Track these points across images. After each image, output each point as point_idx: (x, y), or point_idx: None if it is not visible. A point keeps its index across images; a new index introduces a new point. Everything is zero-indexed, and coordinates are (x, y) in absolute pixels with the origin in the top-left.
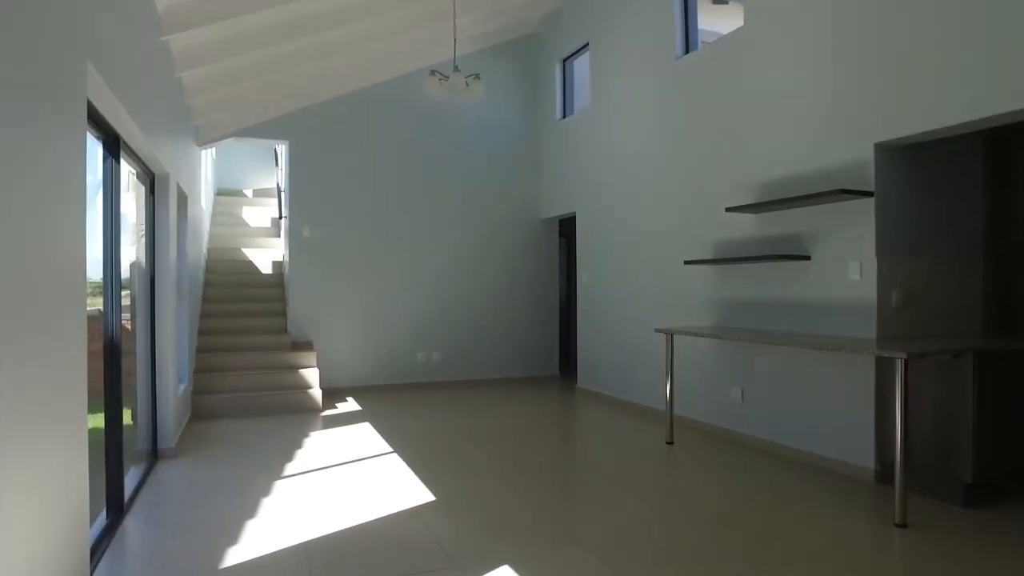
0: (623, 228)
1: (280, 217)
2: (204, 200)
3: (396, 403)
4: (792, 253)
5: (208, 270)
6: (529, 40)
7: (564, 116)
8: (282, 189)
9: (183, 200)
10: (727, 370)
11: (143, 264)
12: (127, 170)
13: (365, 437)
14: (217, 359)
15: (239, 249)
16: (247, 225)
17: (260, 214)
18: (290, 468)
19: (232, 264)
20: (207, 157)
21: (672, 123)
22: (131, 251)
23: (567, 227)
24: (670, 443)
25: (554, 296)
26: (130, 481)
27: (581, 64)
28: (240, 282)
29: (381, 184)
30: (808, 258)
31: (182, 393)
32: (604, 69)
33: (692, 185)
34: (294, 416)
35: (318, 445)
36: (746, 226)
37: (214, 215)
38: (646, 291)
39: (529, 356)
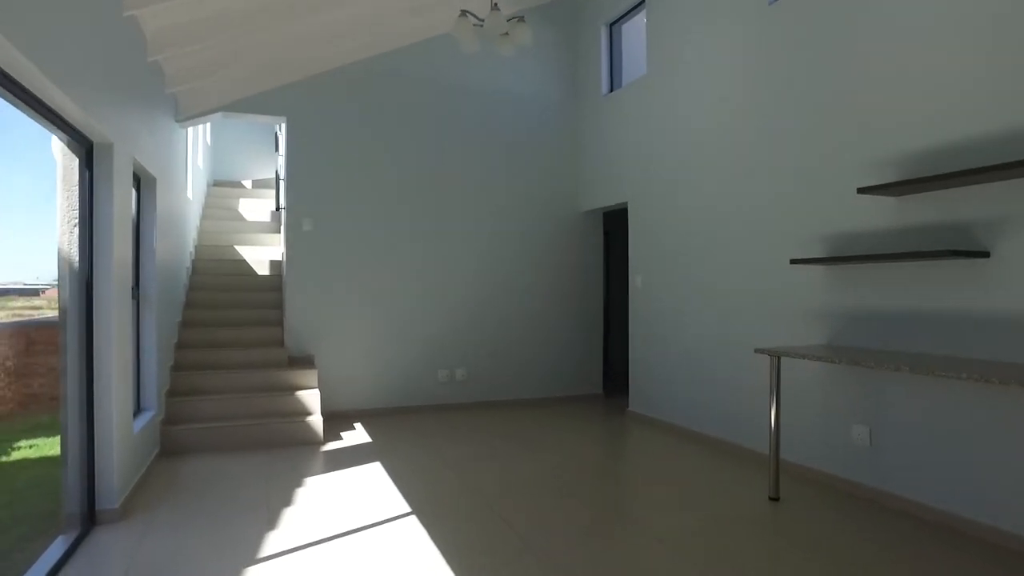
0: (693, 221)
1: (278, 208)
2: (191, 189)
3: (413, 432)
4: (961, 248)
5: (194, 270)
6: (567, 3)
7: (611, 90)
8: (281, 177)
9: (149, 183)
10: (846, 403)
11: (75, 260)
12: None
13: (375, 486)
14: (197, 379)
15: (232, 247)
16: (243, 219)
17: (259, 207)
18: (270, 542)
19: (223, 264)
20: (196, 141)
21: (764, 86)
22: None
23: (611, 221)
24: (775, 499)
25: (597, 301)
26: (40, 568)
27: (632, 28)
28: (231, 285)
29: (395, 170)
30: (986, 255)
31: (144, 426)
32: (666, 28)
33: (795, 163)
34: (288, 452)
35: (312, 499)
36: (880, 213)
37: (206, 207)
38: (727, 298)
39: (568, 373)
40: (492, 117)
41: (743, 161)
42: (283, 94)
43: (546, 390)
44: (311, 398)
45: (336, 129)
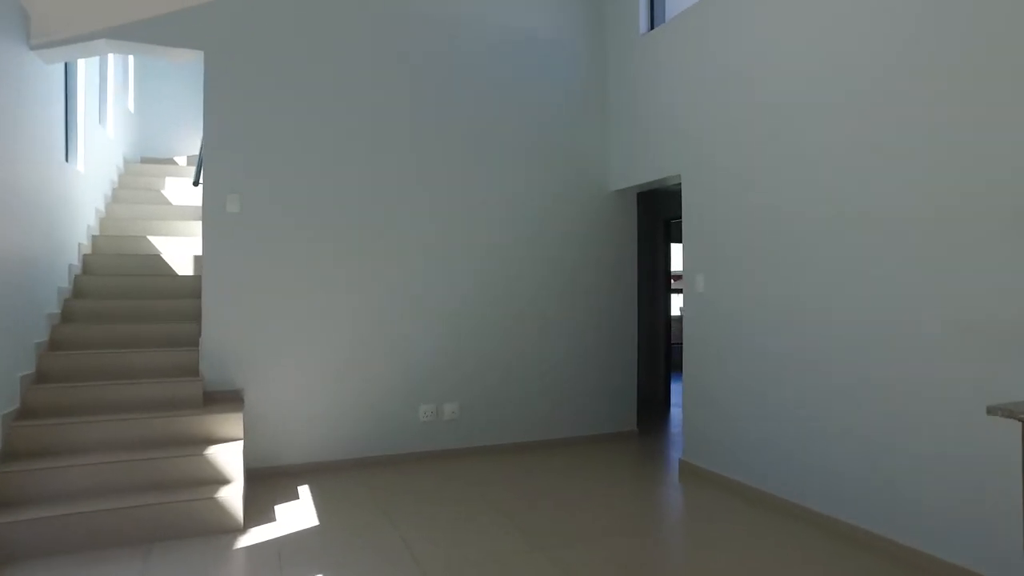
0: (797, 194)
1: (196, 183)
2: (83, 161)
3: (382, 503)
4: None
5: (86, 270)
6: None
7: (652, 27)
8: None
9: None
10: None
11: None
12: None
13: None
14: (55, 432)
15: (146, 237)
16: (169, 203)
17: (190, 187)
18: None
19: (130, 260)
20: (101, 100)
21: None
22: None
23: (648, 202)
24: None
25: (630, 308)
26: None
27: None
28: (136, 289)
29: (360, 133)
30: None
31: None
32: None
33: (993, 96)
34: (182, 551)
35: None
36: None
37: (119, 188)
38: (871, 311)
39: (594, 405)
40: (492, 67)
41: (882, 104)
42: (200, 18)
43: (564, 429)
44: (230, 457)
45: (277, 72)
